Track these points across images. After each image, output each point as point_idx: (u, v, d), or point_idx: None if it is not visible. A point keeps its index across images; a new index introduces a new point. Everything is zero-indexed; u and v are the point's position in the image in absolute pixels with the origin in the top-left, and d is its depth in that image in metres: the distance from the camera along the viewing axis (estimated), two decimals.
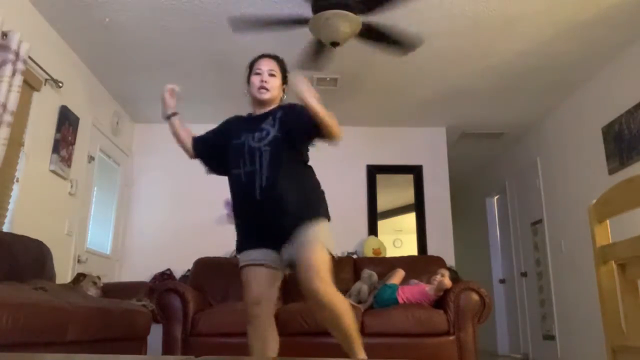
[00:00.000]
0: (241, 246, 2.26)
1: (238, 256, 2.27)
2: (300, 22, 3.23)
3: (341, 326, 2.07)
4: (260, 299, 2.15)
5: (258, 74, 2.31)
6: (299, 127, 2.19)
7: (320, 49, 3.48)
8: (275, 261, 2.19)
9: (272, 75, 2.31)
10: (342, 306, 2.06)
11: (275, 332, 2.21)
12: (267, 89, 2.28)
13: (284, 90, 2.39)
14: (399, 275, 3.56)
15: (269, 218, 2.14)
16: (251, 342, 2.16)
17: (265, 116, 2.29)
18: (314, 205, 2.20)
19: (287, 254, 2.13)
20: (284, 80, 2.38)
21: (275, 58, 2.38)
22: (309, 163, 2.35)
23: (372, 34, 3.30)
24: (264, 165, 2.14)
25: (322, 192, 2.29)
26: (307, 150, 2.33)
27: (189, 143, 2.41)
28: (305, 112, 2.11)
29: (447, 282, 3.32)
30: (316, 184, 2.30)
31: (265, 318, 2.17)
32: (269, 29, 3.34)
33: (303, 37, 3.44)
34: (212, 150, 2.38)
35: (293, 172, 2.20)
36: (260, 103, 2.32)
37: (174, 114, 2.39)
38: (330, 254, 2.10)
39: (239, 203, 2.24)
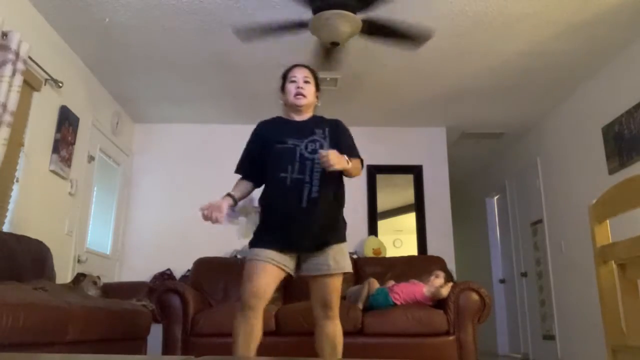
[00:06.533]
0: (260, 243, 2.28)
1: (251, 249, 2.30)
2: (301, 25, 3.23)
3: (336, 349, 2.31)
4: (261, 293, 2.20)
5: (293, 81, 2.41)
6: (343, 151, 2.33)
7: (330, 51, 3.48)
8: (286, 262, 2.28)
9: (306, 82, 2.42)
10: (341, 338, 2.34)
11: (261, 328, 2.24)
12: (303, 95, 2.38)
13: (317, 97, 2.49)
14: (373, 286, 3.48)
15: (308, 226, 2.25)
16: (237, 332, 2.19)
17: (310, 124, 2.39)
18: (343, 228, 2.41)
19: (311, 264, 2.30)
20: (317, 87, 2.49)
21: (307, 67, 2.50)
22: None
23: (378, 30, 3.28)
24: (314, 177, 2.25)
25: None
26: None
27: (250, 188, 2.45)
28: (348, 139, 2.41)
29: (445, 292, 3.29)
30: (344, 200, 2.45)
31: (258, 312, 2.21)
32: (273, 35, 3.37)
33: (304, 39, 3.44)
34: (256, 165, 2.41)
35: (336, 188, 2.35)
36: (297, 110, 2.41)
37: (234, 200, 2.36)
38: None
39: (278, 205, 2.29)
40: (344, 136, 2.42)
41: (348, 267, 2.33)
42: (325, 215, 2.28)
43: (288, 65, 2.53)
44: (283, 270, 2.27)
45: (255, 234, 2.36)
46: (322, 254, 2.29)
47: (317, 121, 2.43)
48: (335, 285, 2.30)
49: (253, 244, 2.33)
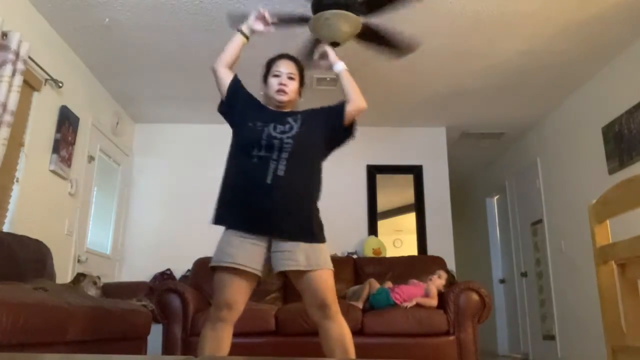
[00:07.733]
0: (222, 220, 2.15)
1: (216, 252, 2.12)
2: (301, 20, 3.22)
3: (347, 350, 2.10)
4: (233, 304, 2.08)
5: (277, 76, 2.27)
6: (328, 118, 2.29)
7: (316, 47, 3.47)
8: (258, 263, 2.08)
9: (290, 78, 2.28)
10: (350, 337, 2.12)
11: (229, 341, 2.13)
12: (285, 92, 2.25)
13: (299, 94, 2.36)
14: (374, 286, 3.49)
15: (274, 206, 2.06)
16: (203, 342, 2.08)
17: (285, 113, 2.27)
18: (320, 226, 2.17)
19: (278, 257, 2.07)
20: (301, 82, 2.36)
21: (294, 60, 2.35)
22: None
23: (370, 36, 3.30)
24: (282, 157, 2.09)
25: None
26: (325, 155, 2.30)
27: (231, 66, 2.37)
28: (331, 106, 2.32)
29: (427, 302, 3.31)
30: (318, 198, 2.25)
31: (229, 324, 2.11)
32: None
33: (304, 37, 3.44)
34: (235, 102, 2.31)
35: (309, 178, 2.17)
36: (278, 106, 2.30)
37: (246, 36, 2.34)
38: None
39: (239, 180, 2.13)
40: (324, 107, 2.32)
41: (325, 265, 2.08)
42: (292, 200, 2.08)
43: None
44: (253, 274, 2.08)
45: (216, 210, 2.17)
46: (292, 247, 2.05)
47: (293, 112, 2.30)
48: (321, 280, 2.05)
49: (215, 219, 2.16)
